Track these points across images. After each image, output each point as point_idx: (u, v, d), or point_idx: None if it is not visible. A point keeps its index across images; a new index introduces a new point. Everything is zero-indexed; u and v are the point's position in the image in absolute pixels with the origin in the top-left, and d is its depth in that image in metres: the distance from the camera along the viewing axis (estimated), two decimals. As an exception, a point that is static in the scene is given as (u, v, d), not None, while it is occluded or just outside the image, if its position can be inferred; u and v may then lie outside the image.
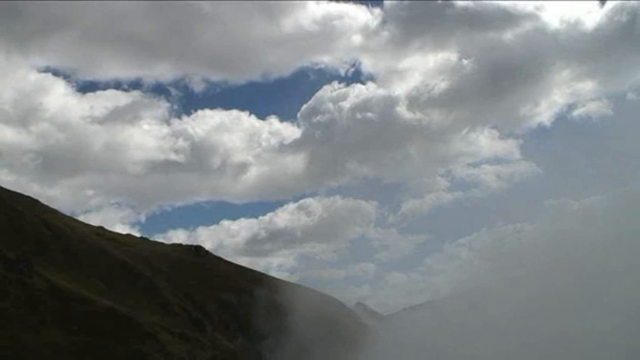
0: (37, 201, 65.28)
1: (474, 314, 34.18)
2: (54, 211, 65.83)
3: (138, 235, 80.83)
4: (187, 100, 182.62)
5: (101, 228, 71.92)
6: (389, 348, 38.43)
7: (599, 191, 33.16)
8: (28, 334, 39.66)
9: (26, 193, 66.17)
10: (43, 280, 46.13)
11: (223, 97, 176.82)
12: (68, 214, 71.83)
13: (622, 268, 28.90)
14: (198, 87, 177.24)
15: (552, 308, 30.43)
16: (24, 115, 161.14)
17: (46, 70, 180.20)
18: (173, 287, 61.52)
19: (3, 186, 63.55)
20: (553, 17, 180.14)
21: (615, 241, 30.34)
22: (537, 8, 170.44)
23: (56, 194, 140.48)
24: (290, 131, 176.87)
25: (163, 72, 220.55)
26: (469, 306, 35.01)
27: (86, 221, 73.86)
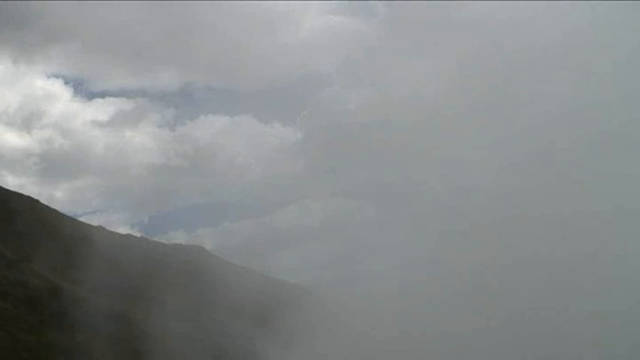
0: (37, 201, 65.38)
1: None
2: (54, 211, 65.96)
3: (138, 235, 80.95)
4: (190, 106, 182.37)
5: (101, 228, 72.02)
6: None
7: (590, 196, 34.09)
8: (28, 335, 39.74)
9: (27, 194, 66.40)
10: (42, 280, 46.25)
11: (226, 103, 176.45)
12: (69, 215, 72.10)
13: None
14: (201, 93, 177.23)
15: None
16: (29, 119, 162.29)
17: (51, 77, 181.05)
18: (173, 287, 61.51)
19: (4, 186, 63.86)
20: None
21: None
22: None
23: (59, 196, 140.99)
24: (291, 134, 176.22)
25: (167, 79, 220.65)
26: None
27: (88, 222, 74.06)
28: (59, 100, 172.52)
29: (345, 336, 37.18)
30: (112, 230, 75.27)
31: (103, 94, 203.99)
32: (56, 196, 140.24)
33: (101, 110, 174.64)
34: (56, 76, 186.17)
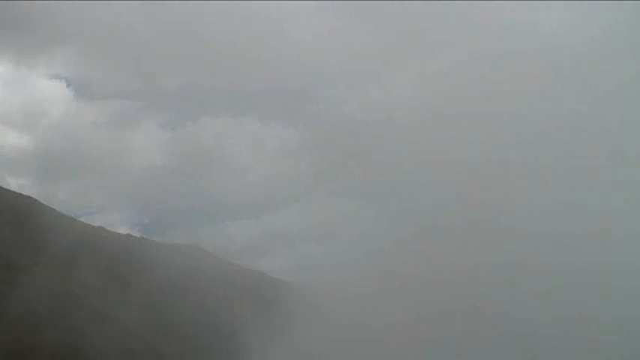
0: (36, 201, 65.49)
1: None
2: (53, 211, 66.06)
3: (138, 235, 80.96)
4: (191, 107, 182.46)
5: (101, 228, 72.13)
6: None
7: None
8: (27, 335, 39.89)
9: (27, 194, 66.48)
10: (41, 280, 46.33)
11: (226, 104, 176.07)
12: (70, 215, 72.16)
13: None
14: (201, 94, 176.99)
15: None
16: (30, 120, 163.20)
17: (53, 79, 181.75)
18: (173, 287, 61.65)
19: (4, 186, 63.91)
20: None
21: None
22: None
23: (59, 196, 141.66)
24: (292, 135, 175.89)
25: (168, 80, 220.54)
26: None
27: (88, 222, 74.15)
28: (60, 102, 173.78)
29: (325, 334, 37.64)
30: (113, 230, 75.49)
31: (104, 96, 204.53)
32: (56, 196, 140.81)
33: (102, 111, 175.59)
34: (58, 78, 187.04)
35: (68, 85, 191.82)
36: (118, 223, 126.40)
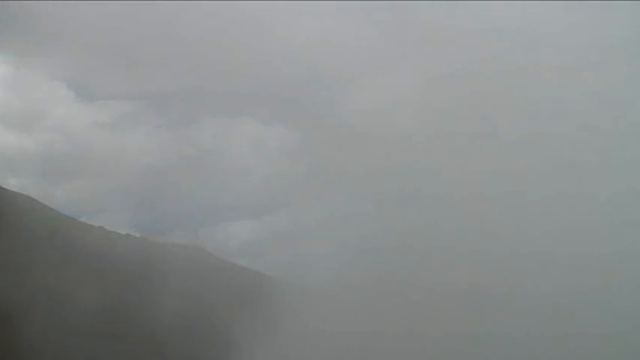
0: (35, 201, 65.49)
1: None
2: (53, 211, 66.04)
3: (138, 235, 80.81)
4: (191, 107, 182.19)
5: (101, 228, 72.07)
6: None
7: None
8: (26, 335, 39.91)
9: (27, 194, 66.45)
10: (41, 280, 46.35)
11: (226, 105, 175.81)
12: (70, 215, 72.11)
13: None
14: (201, 95, 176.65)
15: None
16: (30, 121, 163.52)
17: (54, 80, 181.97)
18: (173, 287, 61.63)
19: (4, 187, 63.87)
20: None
21: None
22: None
23: (59, 196, 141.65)
24: (292, 135, 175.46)
25: (168, 81, 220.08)
26: None
27: (88, 222, 74.07)
28: (61, 102, 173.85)
29: (320, 334, 37.85)
30: (113, 230, 75.34)
31: (104, 97, 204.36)
32: (56, 196, 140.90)
33: (102, 112, 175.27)
34: (58, 79, 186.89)
35: (68, 86, 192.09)
36: (118, 223, 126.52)
